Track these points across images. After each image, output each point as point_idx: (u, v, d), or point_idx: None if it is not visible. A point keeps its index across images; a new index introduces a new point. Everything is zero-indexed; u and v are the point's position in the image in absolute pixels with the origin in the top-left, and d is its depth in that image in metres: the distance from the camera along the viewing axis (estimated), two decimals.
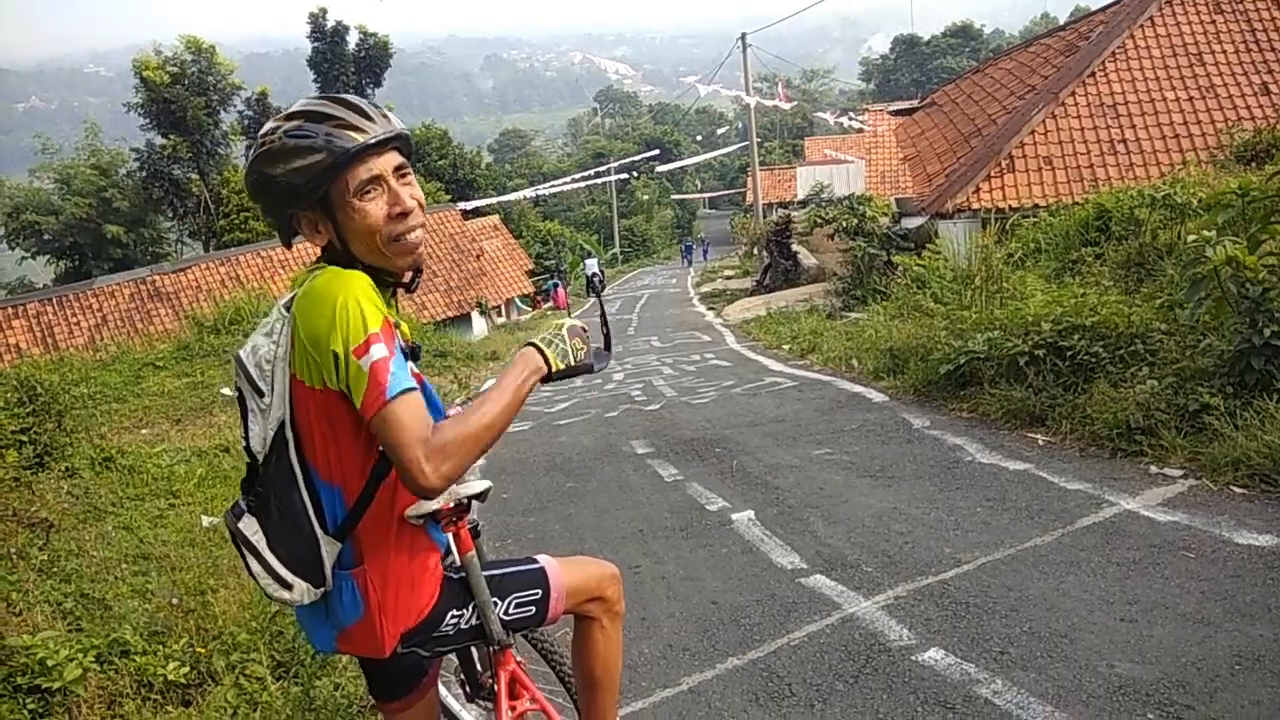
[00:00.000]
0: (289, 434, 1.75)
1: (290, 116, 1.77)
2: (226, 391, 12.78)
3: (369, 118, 1.77)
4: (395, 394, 1.62)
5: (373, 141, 1.75)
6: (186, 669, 3.51)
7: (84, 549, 5.32)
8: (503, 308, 30.79)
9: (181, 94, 35.47)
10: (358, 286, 1.68)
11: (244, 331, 16.08)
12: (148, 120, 36.41)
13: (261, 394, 1.76)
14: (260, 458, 1.78)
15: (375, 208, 1.76)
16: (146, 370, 14.76)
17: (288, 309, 1.74)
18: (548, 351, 1.86)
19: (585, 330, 1.97)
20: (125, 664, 3.52)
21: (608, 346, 2.07)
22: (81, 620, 4.08)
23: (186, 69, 36.35)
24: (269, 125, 1.78)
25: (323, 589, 1.82)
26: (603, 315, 2.17)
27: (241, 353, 1.80)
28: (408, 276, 1.88)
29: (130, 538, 5.72)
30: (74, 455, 7.70)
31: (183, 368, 14.74)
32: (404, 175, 1.81)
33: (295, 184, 1.73)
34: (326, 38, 41.07)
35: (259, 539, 1.80)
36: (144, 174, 36.39)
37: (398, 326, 1.79)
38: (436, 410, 1.92)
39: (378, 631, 1.84)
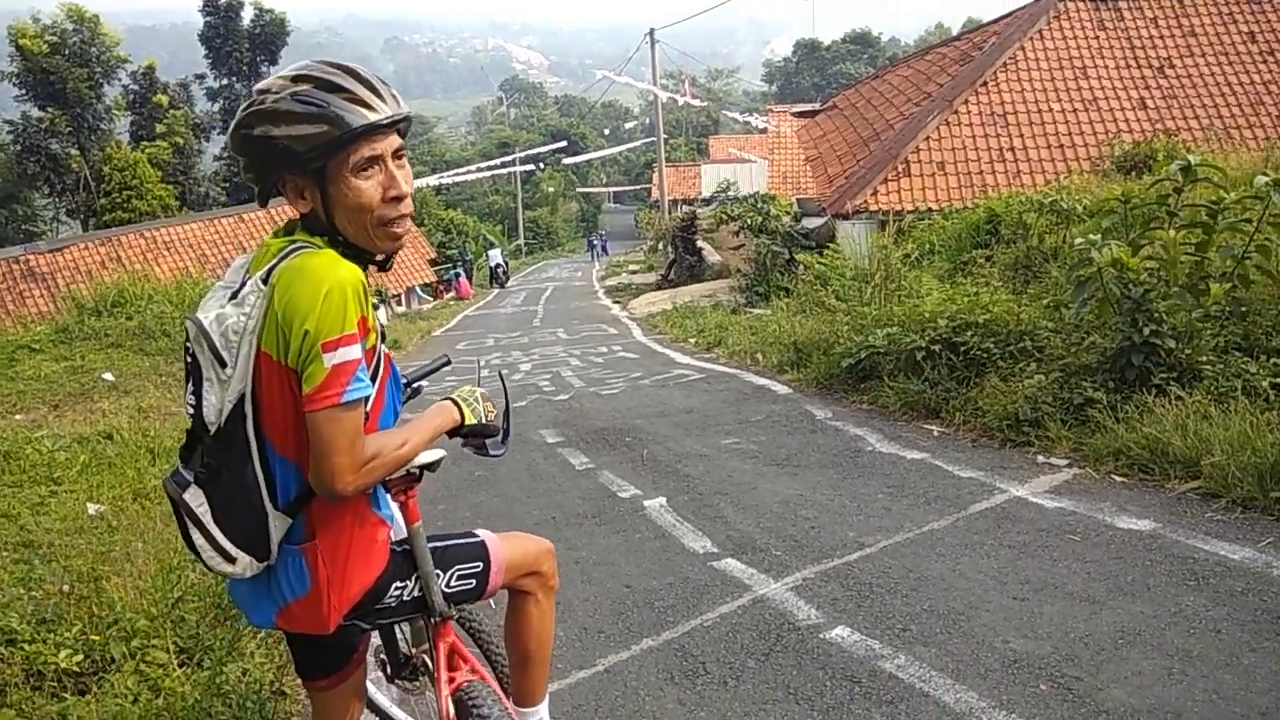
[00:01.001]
0: (248, 407, 1.70)
1: (299, 78, 1.72)
2: (108, 377, 12.18)
3: (380, 96, 1.74)
4: (348, 400, 1.63)
5: (384, 122, 1.73)
6: (80, 657, 3.35)
7: None
8: (403, 296, 30.19)
9: (61, 65, 33.64)
10: (349, 278, 1.66)
11: (127, 315, 15.31)
12: (23, 91, 34.45)
13: (224, 364, 1.69)
14: (214, 429, 1.72)
15: (371, 187, 1.74)
16: (21, 353, 13.89)
17: (265, 281, 1.69)
18: (464, 407, 2.00)
19: (492, 400, 2.11)
20: (13, 652, 3.34)
21: (505, 436, 2.14)
22: None
23: (67, 39, 34.50)
24: (273, 82, 1.73)
25: (266, 563, 1.78)
26: (506, 406, 2.20)
27: (204, 320, 1.71)
28: (380, 255, 1.86)
29: (11, 525, 5.41)
30: None
31: (61, 351, 13.94)
32: (400, 158, 1.80)
33: (294, 150, 1.69)
34: (220, 12, 39.58)
35: (204, 511, 1.74)
36: (18, 148, 34.40)
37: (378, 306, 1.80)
38: (398, 385, 1.93)
39: (324, 607, 1.81)
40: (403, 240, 1.83)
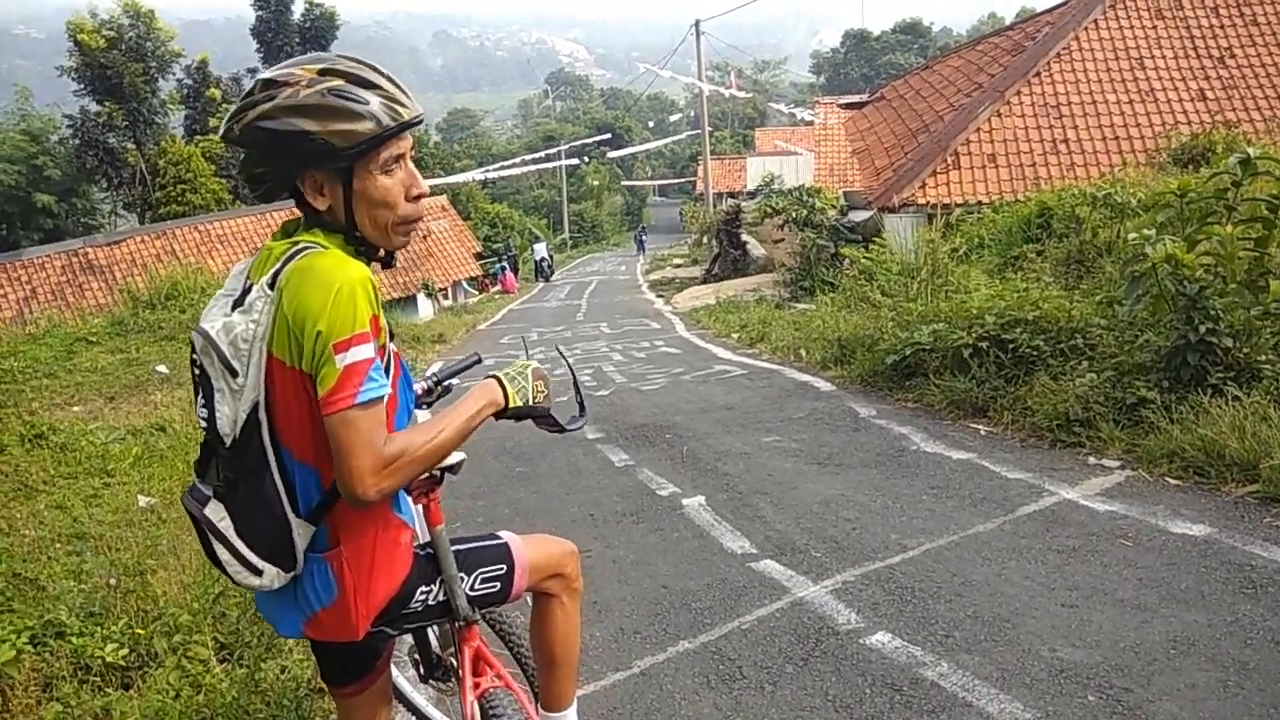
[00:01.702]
0: (263, 415, 1.67)
1: (326, 72, 1.68)
2: (162, 369, 12.44)
3: (405, 94, 1.73)
4: (364, 400, 1.60)
5: (415, 120, 1.73)
6: (126, 651, 3.41)
7: (15, 528, 5.14)
8: (449, 290, 30.44)
9: (118, 59, 34.30)
10: (358, 276, 1.63)
11: (180, 307, 15.64)
12: (82, 86, 35.15)
13: (235, 374, 1.66)
14: (229, 440, 1.69)
15: (396, 186, 1.74)
16: (79, 345, 14.28)
17: (271, 286, 1.66)
18: (509, 387, 1.87)
19: (546, 377, 1.96)
20: (61, 645, 3.42)
21: (582, 410, 2.05)
22: (14, 601, 3.94)
23: (123, 34, 35.15)
24: (290, 74, 1.68)
25: (293, 573, 1.76)
26: (575, 380, 2.12)
27: (210, 330, 1.68)
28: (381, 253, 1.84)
29: (64, 517, 5.54)
30: (3, 431, 7.44)
31: (117, 343, 14.28)
32: (410, 157, 1.80)
33: (333, 145, 1.65)
34: (271, 6, 40.08)
35: (226, 525, 1.71)
36: (77, 141, 35.11)
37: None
38: (409, 386, 1.90)
39: (352, 614, 1.79)
40: (410, 238, 1.83)
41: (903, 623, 3.47)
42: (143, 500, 5.97)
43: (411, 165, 1.78)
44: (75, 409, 10.30)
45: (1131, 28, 15.06)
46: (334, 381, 1.59)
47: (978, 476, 5.12)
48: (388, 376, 1.70)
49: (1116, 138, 13.81)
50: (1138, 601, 3.42)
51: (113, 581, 4.07)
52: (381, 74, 1.73)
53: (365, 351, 1.60)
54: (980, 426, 6.14)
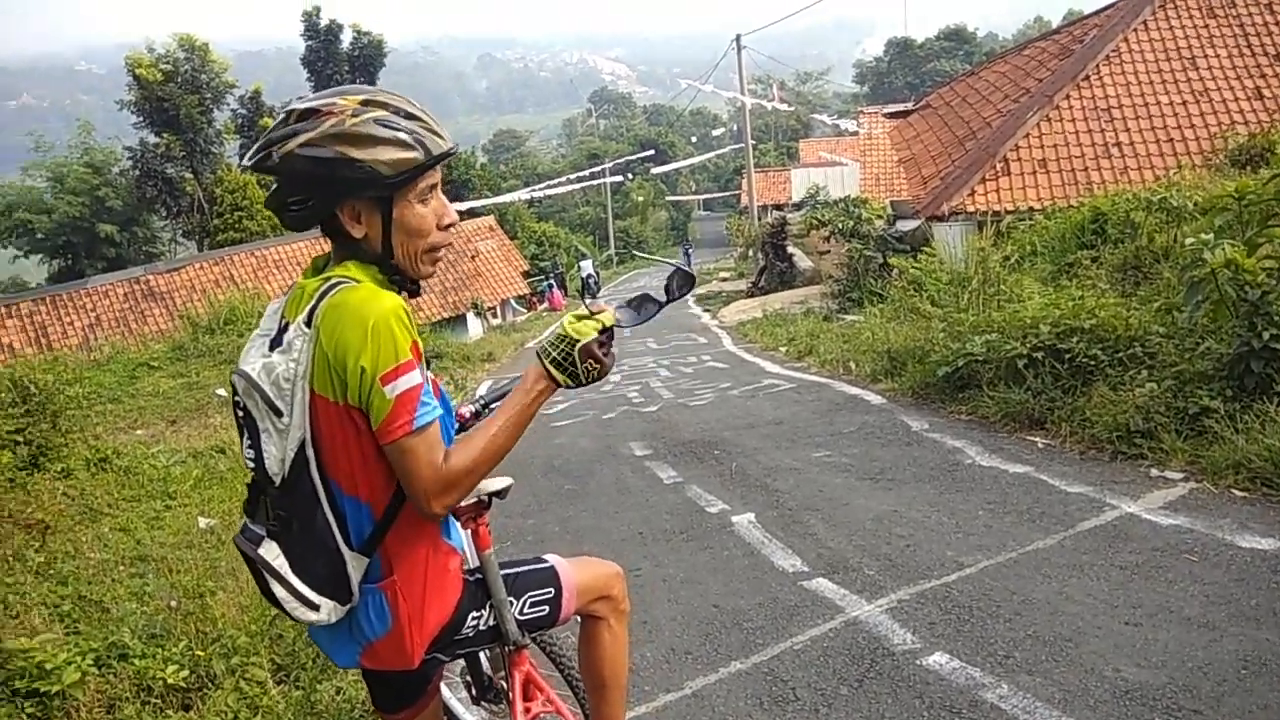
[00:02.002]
0: (310, 452, 1.69)
1: (367, 103, 1.70)
2: (221, 392, 12.73)
3: (440, 127, 1.77)
4: (420, 425, 1.63)
5: (451, 152, 1.78)
6: (186, 672, 3.48)
7: (81, 551, 5.28)
8: (498, 309, 30.74)
9: (175, 92, 35.37)
10: (391, 307, 1.65)
11: (239, 331, 16.01)
12: (140, 118, 36.31)
13: (280, 413, 1.68)
14: (278, 479, 1.70)
15: (430, 214, 1.78)
16: (141, 370, 14.70)
17: (308, 324, 1.67)
18: (557, 375, 1.79)
19: (602, 345, 1.80)
20: (124, 667, 3.49)
21: (678, 285, 1.95)
22: (79, 623, 4.05)
23: (179, 67, 36.26)
24: (334, 103, 1.69)
25: (349, 605, 1.77)
26: (639, 306, 1.95)
27: (251, 371, 1.69)
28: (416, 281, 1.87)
29: (127, 539, 5.69)
30: (69, 456, 7.65)
31: (177, 368, 14.68)
32: (440, 188, 1.84)
33: (379, 173, 1.68)
34: (320, 36, 41.02)
35: (281, 563, 1.72)
36: (137, 172, 36.27)
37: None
38: (448, 412, 1.91)
39: (407, 643, 1.81)
40: (437, 267, 1.87)
41: (961, 643, 3.40)
42: (203, 522, 6.11)
43: (442, 195, 1.82)
44: (138, 433, 10.59)
45: (1182, 27, 14.72)
46: (388, 411, 1.62)
47: (1036, 491, 5.01)
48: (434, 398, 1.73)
49: (1170, 140, 13.49)
50: (1205, 619, 3.31)
51: (173, 603, 4.16)
52: (416, 107, 1.76)
53: (413, 379, 1.63)
54: (1037, 439, 6.01)
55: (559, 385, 1.80)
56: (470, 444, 1.70)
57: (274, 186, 1.75)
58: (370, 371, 1.61)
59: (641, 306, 1.92)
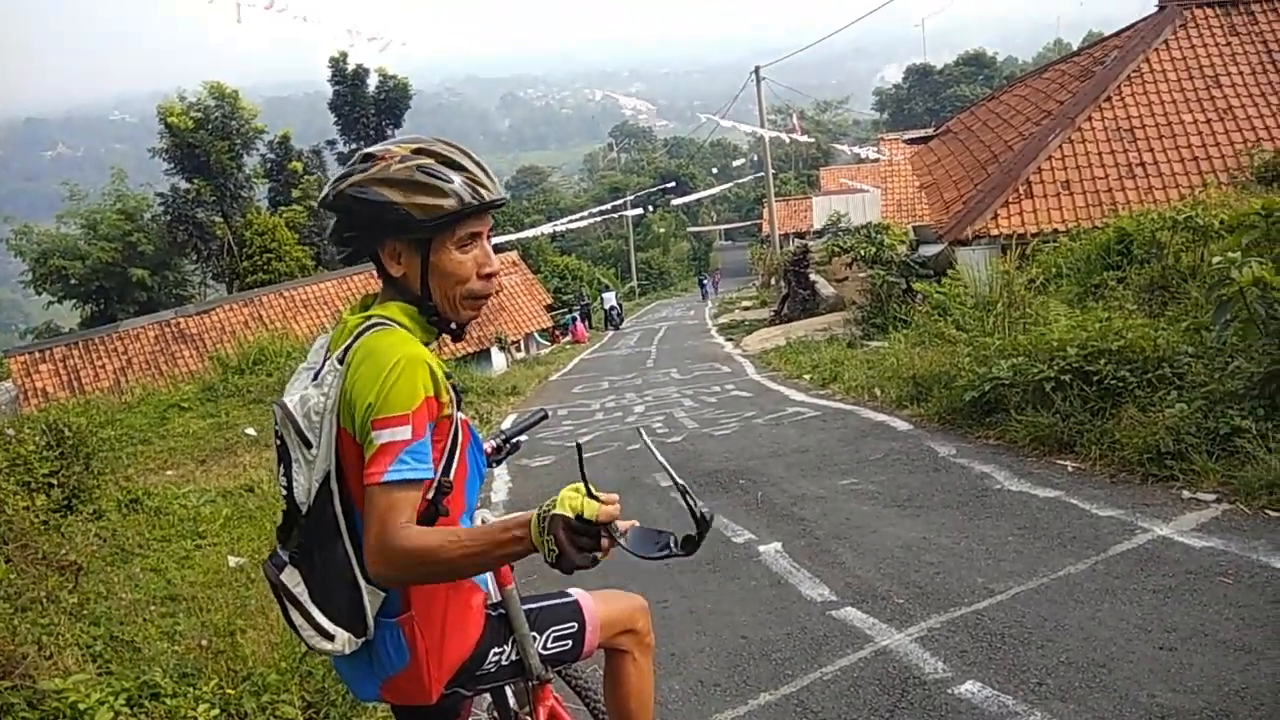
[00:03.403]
0: (334, 485, 1.75)
1: (420, 151, 1.80)
2: (250, 431, 12.86)
3: (489, 177, 1.83)
4: (390, 480, 1.63)
5: (497, 202, 1.83)
6: (217, 711, 3.50)
7: (113, 591, 5.34)
8: (522, 342, 30.91)
9: (205, 139, 36.10)
10: (416, 355, 1.71)
11: (267, 371, 16.20)
12: (172, 165, 37.06)
13: (310, 445, 1.75)
14: (304, 508, 1.77)
15: (470, 261, 1.83)
16: (172, 412, 14.87)
17: (341, 361, 1.75)
18: (534, 533, 1.57)
19: (576, 534, 1.55)
20: (156, 707, 3.52)
21: (700, 526, 1.62)
22: (111, 663, 4.09)
23: (210, 114, 37.02)
24: (388, 149, 1.81)
25: (364, 638, 1.80)
26: (674, 481, 1.69)
27: (289, 402, 1.78)
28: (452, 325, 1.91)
29: (158, 579, 5.75)
30: (101, 497, 7.76)
31: (207, 409, 14.84)
32: (488, 237, 1.89)
33: (415, 217, 1.76)
34: (347, 81, 41.75)
35: (301, 590, 1.78)
36: (168, 218, 36.99)
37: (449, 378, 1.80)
38: (477, 448, 1.94)
39: (425, 678, 1.83)
40: (480, 313, 1.90)
41: (993, 671, 3.36)
42: (233, 561, 6.15)
43: (488, 244, 1.87)
44: (169, 473, 10.70)
45: (1204, 46, 14.70)
46: (370, 455, 1.66)
47: (1066, 515, 4.95)
48: (453, 450, 1.77)
49: (1195, 158, 13.42)
50: (1241, 643, 3.25)
51: (204, 642, 4.19)
52: (470, 158, 1.83)
53: (401, 434, 1.65)
54: (1067, 462, 5.94)
55: (535, 548, 1.57)
56: (426, 535, 1.62)
57: (334, 221, 1.87)
58: (371, 411, 1.66)
59: (659, 544, 1.65)
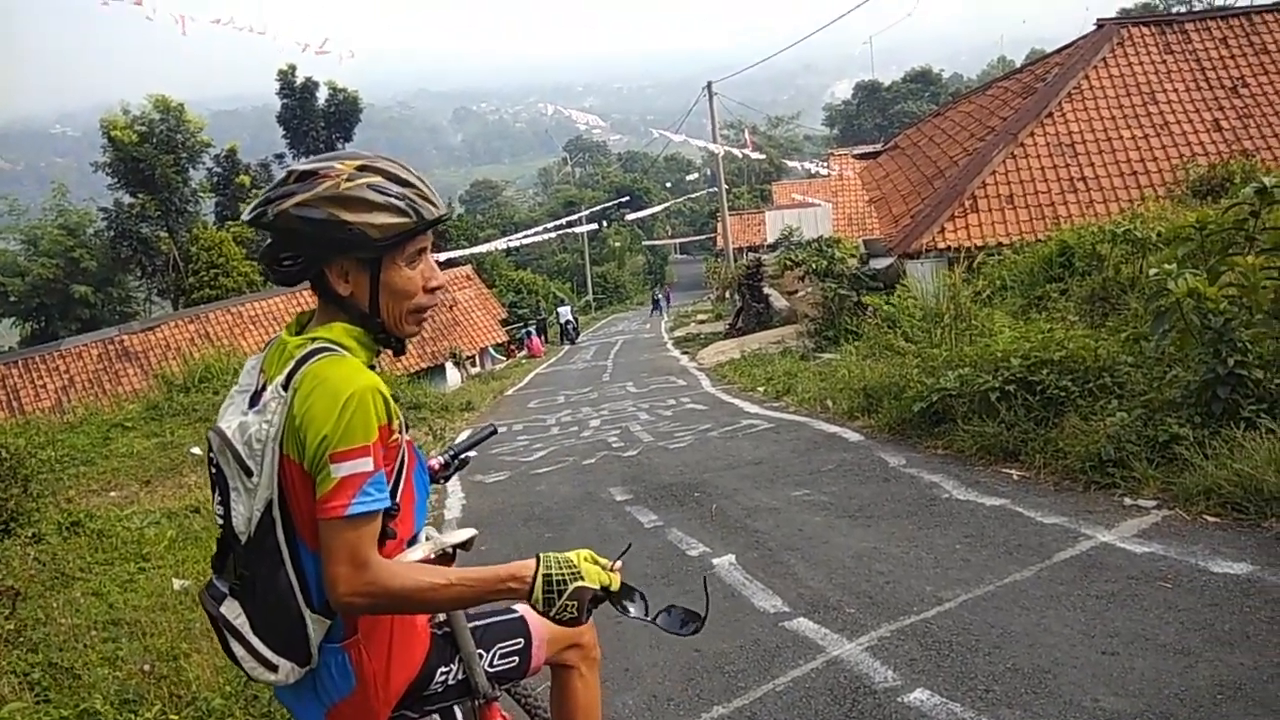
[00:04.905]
0: (276, 513, 1.70)
1: (363, 168, 1.74)
2: (196, 450, 12.59)
3: (433, 192, 1.81)
4: (353, 514, 1.62)
5: (442, 218, 1.81)
6: None
7: (52, 617, 5.18)
8: (476, 357, 30.72)
9: (150, 153, 35.49)
10: (370, 385, 1.67)
11: (214, 389, 15.86)
12: (115, 179, 36.36)
13: (250, 474, 1.69)
14: (244, 538, 1.71)
15: (417, 277, 1.80)
16: (115, 431, 14.50)
17: (285, 387, 1.69)
18: (538, 588, 1.72)
19: (593, 601, 1.75)
20: None
21: (693, 621, 1.85)
22: (49, 691, 3.97)
23: (155, 128, 36.42)
24: (332, 166, 1.73)
25: (308, 668, 1.76)
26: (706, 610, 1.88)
27: (226, 429, 1.71)
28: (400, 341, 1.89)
29: (100, 604, 5.59)
30: (41, 520, 7.53)
31: (152, 428, 14.50)
32: (429, 251, 1.87)
33: (368, 236, 1.71)
34: (296, 94, 41.31)
35: (242, 622, 1.73)
36: (112, 233, 36.25)
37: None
38: (420, 467, 1.92)
39: (372, 703, 1.79)
40: (423, 327, 1.89)
41: (941, 678, 3.40)
42: (178, 584, 6.01)
43: (431, 259, 1.85)
44: (111, 494, 10.43)
45: (1141, 63, 15.15)
46: (328, 489, 1.62)
47: (1012, 523, 5.04)
48: (399, 474, 1.75)
49: (1134, 173, 13.81)
50: (1181, 646, 3.33)
51: (147, 668, 4.09)
52: (413, 173, 1.80)
53: (364, 465, 1.63)
54: (1012, 471, 6.05)
55: (530, 598, 1.72)
56: (415, 575, 1.67)
57: (267, 242, 1.79)
58: (326, 444, 1.62)
59: (673, 620, 1.86)
